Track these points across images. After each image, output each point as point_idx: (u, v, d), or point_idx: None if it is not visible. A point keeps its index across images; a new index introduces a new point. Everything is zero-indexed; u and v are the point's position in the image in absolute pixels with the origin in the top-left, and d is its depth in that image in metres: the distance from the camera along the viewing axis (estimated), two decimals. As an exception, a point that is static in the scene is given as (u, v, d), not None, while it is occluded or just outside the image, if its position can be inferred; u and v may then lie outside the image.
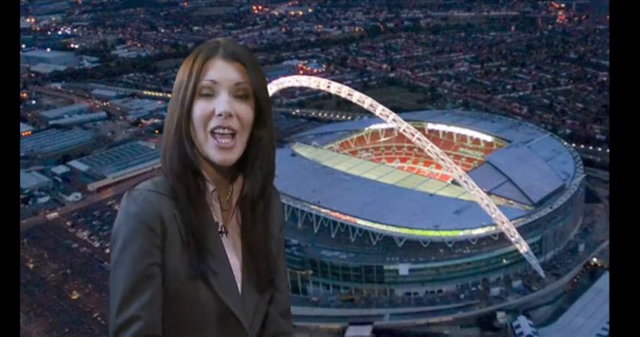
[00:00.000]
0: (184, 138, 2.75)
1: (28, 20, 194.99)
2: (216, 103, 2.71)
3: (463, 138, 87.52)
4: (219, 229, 2.90)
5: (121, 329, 2.63)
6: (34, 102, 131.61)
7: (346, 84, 79.10)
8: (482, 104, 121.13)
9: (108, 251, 75.26)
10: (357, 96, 69.16)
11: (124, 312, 2.64)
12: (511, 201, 68.27)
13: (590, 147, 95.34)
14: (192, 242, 2.73)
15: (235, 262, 2.92)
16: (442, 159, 67.35)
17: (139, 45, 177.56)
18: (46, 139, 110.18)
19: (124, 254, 2.67)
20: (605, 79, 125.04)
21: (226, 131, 2.72)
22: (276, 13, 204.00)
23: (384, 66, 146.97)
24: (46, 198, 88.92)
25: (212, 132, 2.73)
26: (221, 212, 2.91)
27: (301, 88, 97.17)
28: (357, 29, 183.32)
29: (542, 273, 64.39)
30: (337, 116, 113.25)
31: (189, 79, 2.74)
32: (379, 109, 67.70)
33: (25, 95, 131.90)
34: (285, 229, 3.33)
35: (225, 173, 2.88)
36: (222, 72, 2.73)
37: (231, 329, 2.84)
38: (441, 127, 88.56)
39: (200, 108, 2.72)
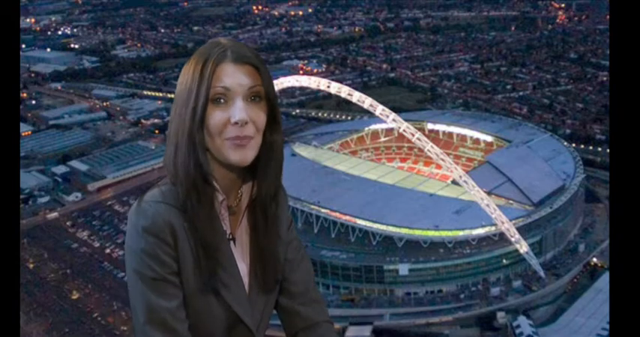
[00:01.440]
0: (198, 147, 2.68)
1: (28, 20, 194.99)
2: (231, 111, 2.64)
3: (463, 138, 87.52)
4: (228, 237, 2.87)
5: None
6: (34, 102, 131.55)
7: (346, 84, 79.15)
8: (482, 104, 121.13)
9: (108, 251, 75.57)
10: (357, 96, 69.17)
11: (154, 327, 2.63)
12: (511, 201, 68.27)
13: (590, 147, 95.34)
14: (203, 255, 2.71)
15: (243, 267, 2.91)
16: (442, 159, 67.36)
17: (139, 45, 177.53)
18: (46, 139, 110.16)
19: (143, 270, 2.64)
20: (605, 78, 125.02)
21: (244, 142, 2.68)
22: (276, 13, 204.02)
23: (384, 66, 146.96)
24: (46, 198, 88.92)
25: (227, 140, 2.68)
26: (229, 217, 2.88)
27: (301, 88, 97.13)
28: (357, 29, 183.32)
29: (542, 273, 64.42)
30: (337, 116, 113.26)
31: (200, 85, 2.64)
32: (379, 109, 67.71)
33: (25, 95, 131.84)
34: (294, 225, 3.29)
35: (236, 177, 2.84)
36: (234, 77, 2.65)
37: (237, 331, 2.86)
38: (441, 127, 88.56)
39: (214, 116, 2.64)
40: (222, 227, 2.83)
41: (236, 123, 2.63)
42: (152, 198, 2.72)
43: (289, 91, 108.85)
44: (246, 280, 2.90)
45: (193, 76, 2.67)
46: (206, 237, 2.71)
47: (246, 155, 2.69)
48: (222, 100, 2.65)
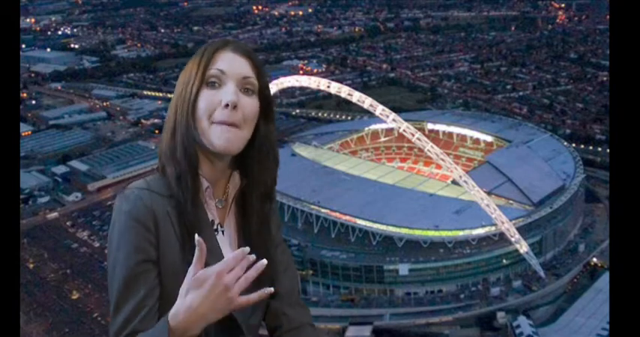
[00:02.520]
0: (192, 127, 2.74)
1: (28, 20, 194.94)
2: (223, 94, 2.71)
3: (463, 138, 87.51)
4: (215, 227, 2.90)
5: (117, 331, 2.65)
6: (34, 102, 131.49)
7: (346, 84, 79.05)
8: (482, 104, 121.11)
9: (107, 251, 75.60)
10: (357, 96, 69.14)
11: (120, 312, 2.66)
12: (511, 201, 68.26)
13: (590, 147, 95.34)
14: (187, 239, 2.72)
15: None
16: (442, 159, 67.33)
17: (139, 45, 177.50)
18: (46, 139, 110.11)
19: (118, 252, 2.69)
20: (605, 79, 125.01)
21: (231, 128, 2.72)
22: (276, 13, 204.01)
23: (384, 66, 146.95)
24: (46, 198, 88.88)
25: (214, 123, 2.72)
26: (216, 209, 2.91)
27: (301, 88, 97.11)
28: (357, 29, 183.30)
29: (542, 273, 64.39)
30: (337, 116, 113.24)
31: (198, 68, 2.75)
32: (379, 109, 67.69)
33: (25, 95, 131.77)
34: (282, 228, 3.33)
35: (223, 169, 2.88)
36: (231, 63, 2.76)
37: (227, 328, 2.84)
38: (441, 127, 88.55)
39: (205, 98, 2.72)
40: (207, 214, 2.86)
41: (226, 105, 2.68)
42: (136, 185, 2.82)
43: (289, 91, 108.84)
44: None
45: (193, 63, 2.79)
46: (191, 220, 2.74)
47: (231, 143, 2.72)
48: (216, 84, 2.73)
